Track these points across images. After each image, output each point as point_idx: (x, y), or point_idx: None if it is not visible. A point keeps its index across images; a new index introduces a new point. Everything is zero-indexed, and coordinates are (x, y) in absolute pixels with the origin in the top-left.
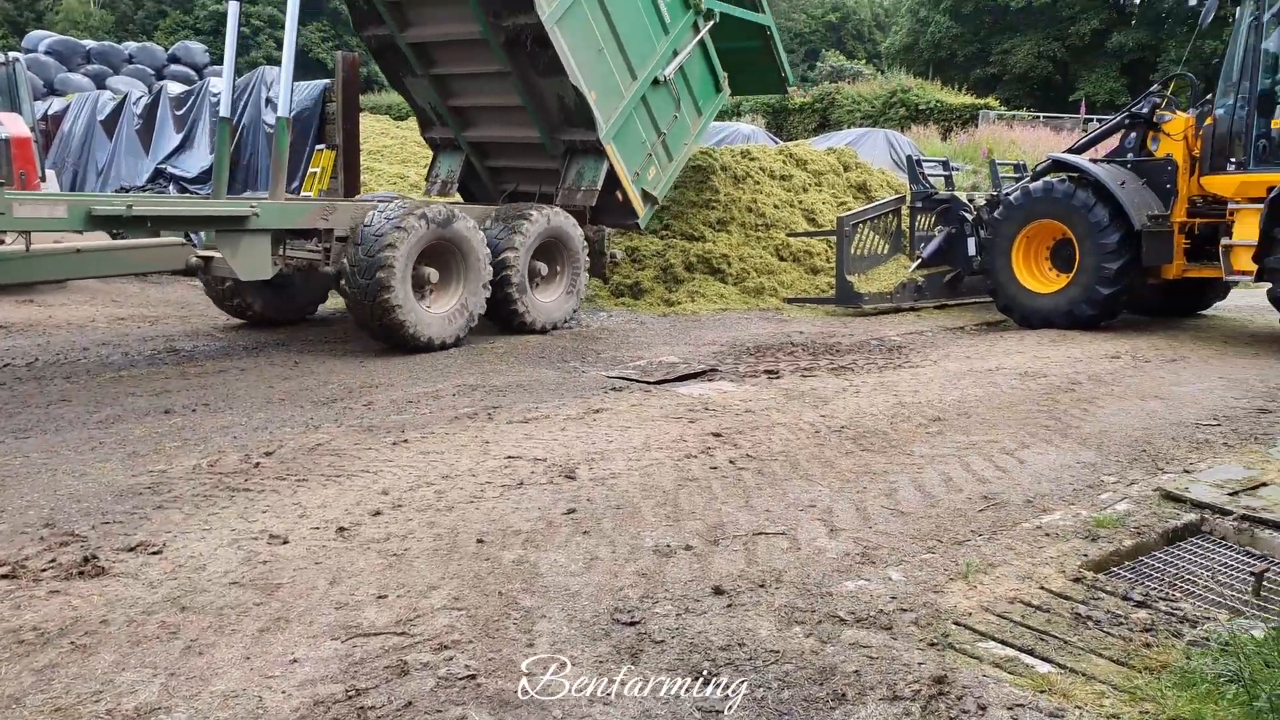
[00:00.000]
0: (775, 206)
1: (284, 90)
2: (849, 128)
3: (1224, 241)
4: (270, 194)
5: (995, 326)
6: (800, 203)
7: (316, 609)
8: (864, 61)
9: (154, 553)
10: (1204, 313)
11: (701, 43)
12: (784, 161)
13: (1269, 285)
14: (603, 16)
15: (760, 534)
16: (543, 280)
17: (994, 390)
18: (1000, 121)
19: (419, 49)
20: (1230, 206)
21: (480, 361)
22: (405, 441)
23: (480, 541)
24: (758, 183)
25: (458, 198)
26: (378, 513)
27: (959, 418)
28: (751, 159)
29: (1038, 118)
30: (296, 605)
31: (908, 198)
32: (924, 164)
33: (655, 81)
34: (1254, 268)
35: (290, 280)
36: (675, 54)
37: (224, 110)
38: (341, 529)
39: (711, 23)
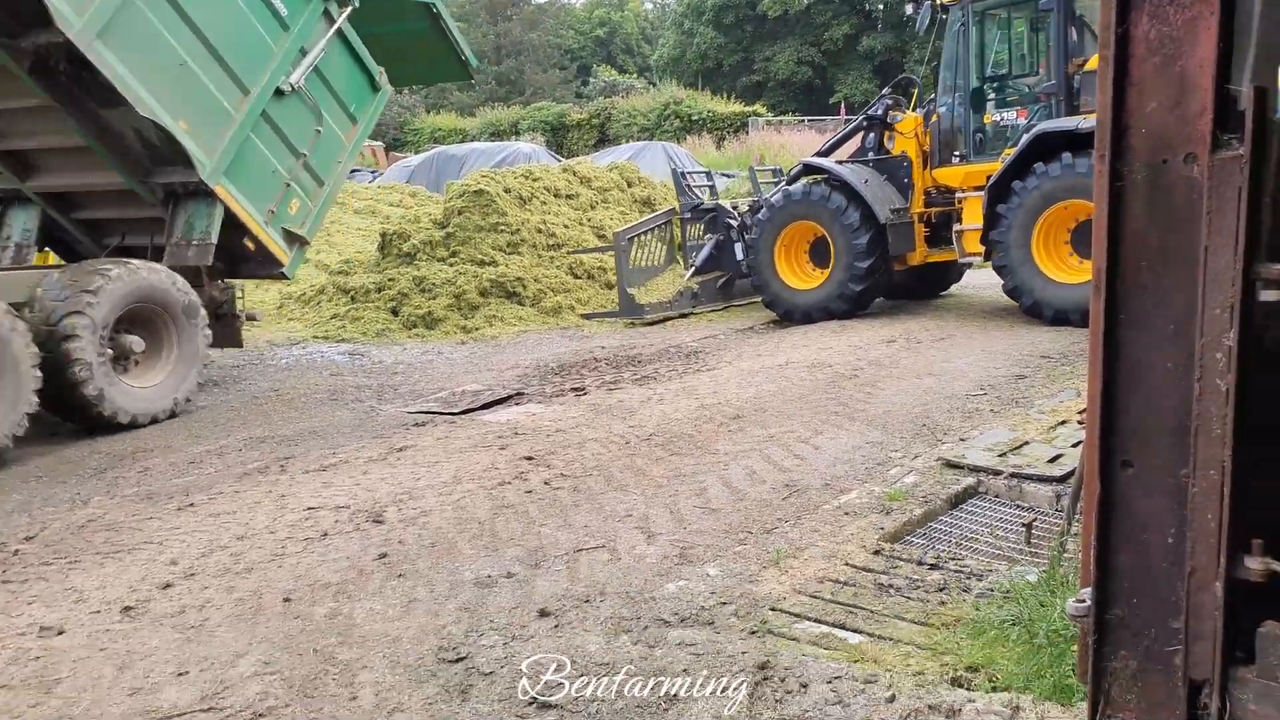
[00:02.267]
0: (565, 226)
1: None
2: (627, 142)
3: (955, 228)
4: None
5: (781, 324)
6: (589, 220)
7: (106, 699)
8: (635, 75)
9: None
10: (949, 292)
11: (341, 35)
12: (569, 180)
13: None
14: (179, 20)
15: (581, 550)
16: (142, 359)
17: (785, 384)
18: (769, 127)
19: None
20: (958, 195)
21: (265, 411)
22: (191, 506)
23: (287, 600)
24: (544, 203)
25: (52, 258)
26: (168, 585)
27: (756, 413)
28: (535, 179)
29: (803, 121)
30: (81, 700)
31: (677, 209)
32: (689, 176)
33: (279, 93)
34: (983, 249)
35: None
36: (303, 54)
37: None
38: (127, 608)
39: (349, 8)
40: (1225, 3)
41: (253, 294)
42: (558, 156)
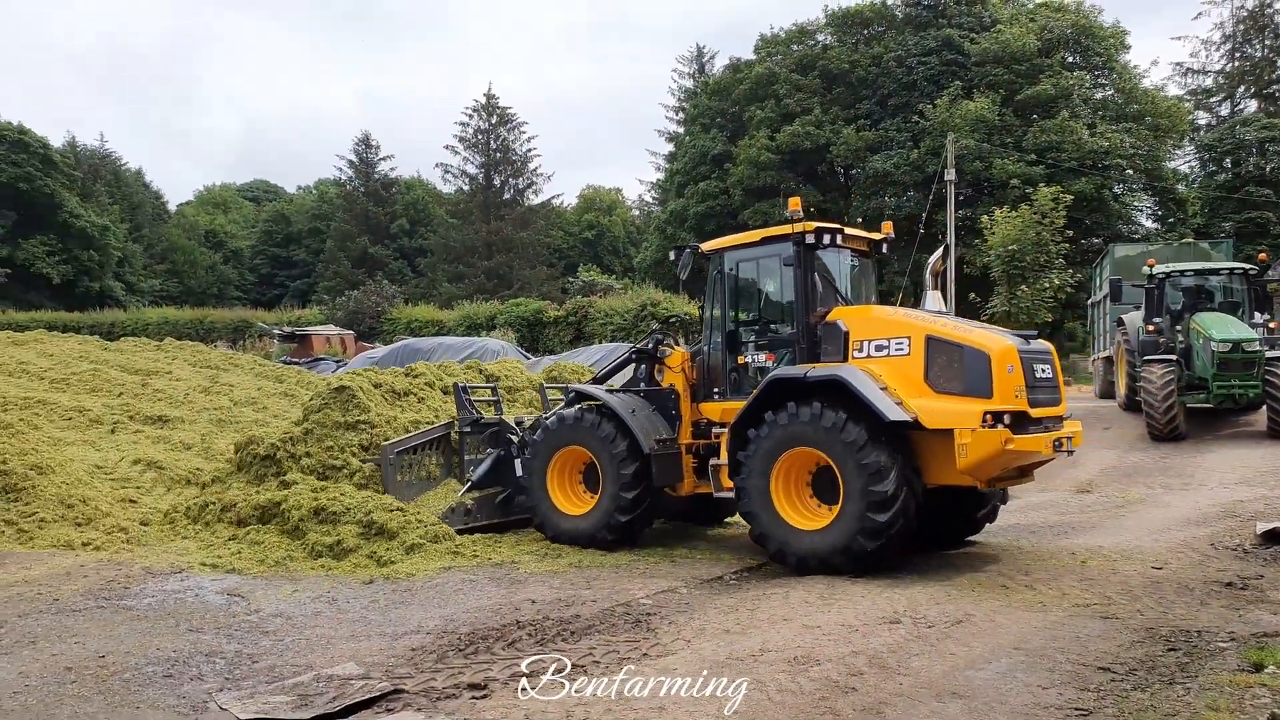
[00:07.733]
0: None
1: None
2: (601, 341)
3: (712, 462)
4: None
5: (755, 571)
6: None
7: None
8: (618, 276)
9: None
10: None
11: None
12: (470, 379)
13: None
14: None
15: None
16: None
17: (762, 699)
18: None
19: None
20: (715, 430)
21: (58, 702)
22: None
23: None
24: (421, 399)
25: None
26: None
27: None
28: (417, 375)
29: None
30: None
31: (456, 423)
32: (470, 390)
33: None
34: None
35: None
36: None
37: None
38: None
39: None
40: None
41: (165, 497)
42: (527, 354)
